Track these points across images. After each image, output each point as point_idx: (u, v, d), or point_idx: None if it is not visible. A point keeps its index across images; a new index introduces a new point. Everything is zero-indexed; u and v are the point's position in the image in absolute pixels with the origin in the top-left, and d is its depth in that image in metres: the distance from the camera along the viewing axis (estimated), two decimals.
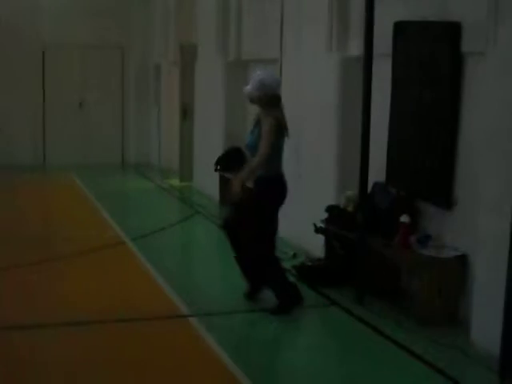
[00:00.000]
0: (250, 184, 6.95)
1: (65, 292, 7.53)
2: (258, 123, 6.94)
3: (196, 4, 14.18)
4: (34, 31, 16.77)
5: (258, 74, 6.99)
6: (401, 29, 7.37)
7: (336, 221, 7.85)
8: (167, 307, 7.07)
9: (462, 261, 6.55)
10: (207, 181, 13.03)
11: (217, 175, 12.36)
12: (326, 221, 8.03)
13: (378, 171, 7.54)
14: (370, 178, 7.15)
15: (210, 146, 12.92)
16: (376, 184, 7.65)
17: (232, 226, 7.13)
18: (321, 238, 8.15)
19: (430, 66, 6.88)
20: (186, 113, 14.65)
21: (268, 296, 7.03)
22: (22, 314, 6.81)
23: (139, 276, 8.17)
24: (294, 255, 8.71)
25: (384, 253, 7.11)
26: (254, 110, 7.45)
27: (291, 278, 7.71)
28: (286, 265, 8.31)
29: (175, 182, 14.86)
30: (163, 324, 6.66)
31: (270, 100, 6.89)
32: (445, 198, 6.78)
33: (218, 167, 12.27)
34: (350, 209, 7.77)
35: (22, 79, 16.86)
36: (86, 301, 7.21)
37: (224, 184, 12.22)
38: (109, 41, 17.33)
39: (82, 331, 6.41)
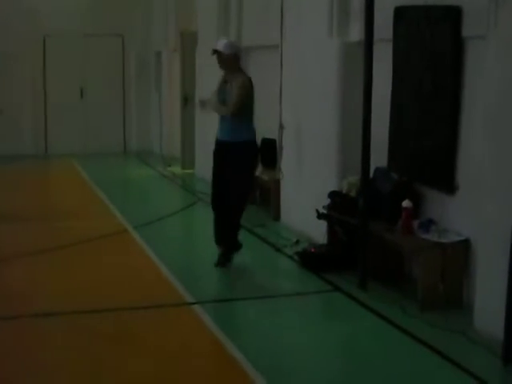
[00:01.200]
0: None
1: (69, 281, 7.54)
2: (230, 82, 7.57)
3: None
4: (34, 20, 16.74)
5: (223, 39, 7.93)
6: (401, 13, 7.34)
7: (338, 206, 7.84)
8: (171, 295, 7.07)
9: (465, 245, 6.55)
10: (209, 168, 12.96)
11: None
12: (329, 207, 8.03)
13: (379, 156, 7.53)
14: (371, 163, 7.14)
15: (211, 132, 12.86)
16: (378, 169, 7.64)
17: (220, 203, 7.79)
18: (323, 224, 8.15)
19: (431, 50, 6.86)
20: (187, 100, 14.63)
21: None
22: (23, 303, 6.82)
23: (142, 264, 8.18)
24: (297, 241, 8.71)
25: (386, 238, 7.11)
26: None
27: (294, 264, 7.77)
28: (289, 251, 8.35)
29: (177, 169, 14.86)
30: (167, 312, 6.67)
31: (239, 61, 7.64)
32: (447, 183, 6.77)
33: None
34: (352, 194, 7.77)
35: (23, 68, 16.87)
36: (90, 289, 7.23)
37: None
38: (109, 28, 17.30)
39: (85, 319, 6.41)
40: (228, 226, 7.85)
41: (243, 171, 7.68)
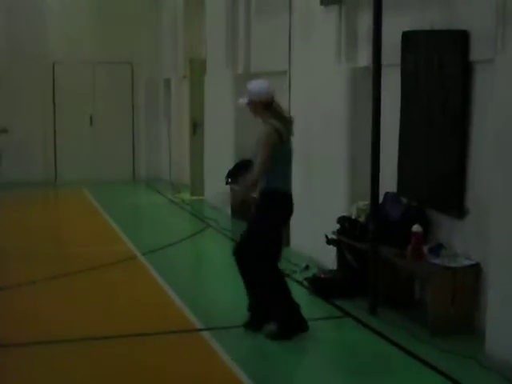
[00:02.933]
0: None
1: (78, 307, 7.54)
2: None
3: (204, 18, 14.24)
4: (44, 47, 16.89)
5: (254, 84, 6.77)
6: (409, 38, 7.36)
7: (348, 232, 7.83)
8: (180, 321, 7.05)
9: (475, 270, 6.52)
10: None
11: (228, 188, 12.36)
12: (338, 232, 8.01)
13: (388, 181, 7.52)
14: (381, 188, 7.14)
15: (220, 159, 12.93)
16: (387, 194, 7.63)
17: (241, 251, 6.73)
18: (333, 250, 8.13)
19: (439, 74, 6.87)
20: (196, 126, 14.67)
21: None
22: (36, 329, 6.82)
23: (151, 290, 8.17)
24: (307, 267, 8.69)
25: (396, 263, 7.08)
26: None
27: (304, 290, 7.72)
28: (298, 277, 8.31)
29: (186, 195, 14.87)
30: (176, 338, 6.65)
31: (262, 108, 6.61)
32: (456, 207, 6.76)
33: (229, 180, 12.27)
34: (361, 219, 7.75)
35: (33, 94, 16.95)
36: (100, 316, 7.23)
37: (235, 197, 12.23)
38: (118, 56, 17.40)
39: (95, 346, 6.40)
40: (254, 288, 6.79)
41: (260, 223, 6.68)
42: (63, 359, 6.14)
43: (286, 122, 6.63)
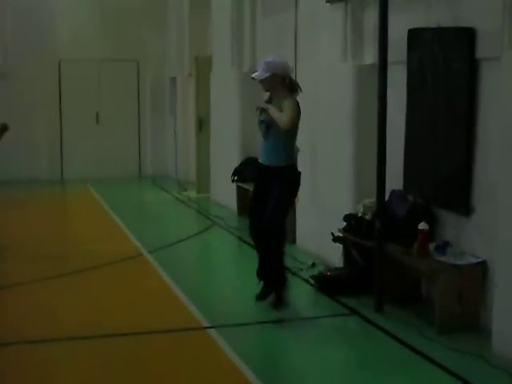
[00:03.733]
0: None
1: (84, 305, 7.55)
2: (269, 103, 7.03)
3: (210, 16, 14.25)
4: (50, 45, 16.93)
5: (273, 58, 7.07)
6: (415, 36, 7.36)
7: (354, 229, 7.82)
8: (187, 319, 7.06)
9: (482, 267, 6.51)
10: (224, 192, 13.04)
11: (234, 186, 12.37)
12: (344, 230, 8.01)
13: (395, 179, 7.52)
14: (387, 185, 7.13)
15: (226, 157, 12.94)
16: (393, 192, 7.62)
17: (257, 229, 7.18)
18: (339, 247, 8.13)
19: (445, 72, 6.86)
20: (202, 124, 14.68)
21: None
22: (43, 327, 6.84)
23: (158, 288, 8.18)
24: (313, 265, 8.70)
25: (403, 261, 7.08)
26: None
27: (310, 288, 7.74)
28: (305, 274, 8.32)
29: (192, 193, 14.88)
30: (183, 336, 6.65)
31: (281, 82, 7.02)
32: (462, 205, 6.75)
33: (235, 178, 12.28)
34: (367, 217, 7.75)
35: (39, 92, 16.99)
36: (105, 313, 7.24)
37: (241, 195, 12.25)
38: (124, 54, 17.42)
39: (103, 344, 6.42)
40: (269, 256, 7.26)
41: (282, 197, 7.06)
42: (72, 356, 6.15)
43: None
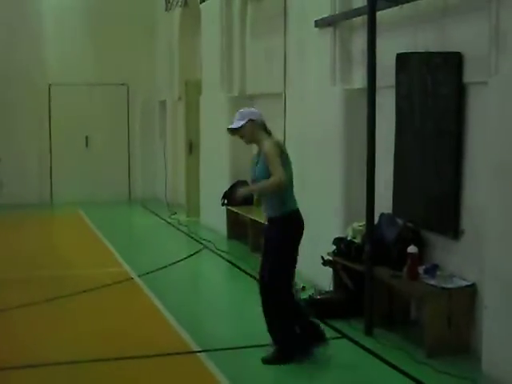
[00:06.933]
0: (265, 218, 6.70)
1: (73, 329, 7.52)
2: (259, 154, 6.61)
3: (200, 40, 14.32)
4: (40, 69, 16.97)
5: (245, 108, 6.83)
6: (403, 60, 7.42)
7: (343, 253, 7.84)
8: (176, 343, 7.04)
9: (471, 291, 6.53)
10: (214, 215, 13.04)
11: (224, 210, 12.39)
12: (334, 253, 8.03)
13: (384, 202, 7.55)
14: (376, 209, 7.16)
15: (216, 180, 12.96)
16: (383, 215, 7.65)
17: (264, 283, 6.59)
18: (329, 271, 8.14)
19: (434, 96, 6.91)
20: (192, 147, 14.72)
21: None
22: (31, 352, 6.80)
23: (147, 312, 8.16)
24: (303, 288, 8.68)
25: (392, 284, 7.09)
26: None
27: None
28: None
29: (182, 217, 14.88)
30: (172, 360, 6.63)
31: (257, 128, 6.57)
32: (451, 228, 6.78)
33: (225, 201, 12.30)
34: (357, 240, 7.77)
35: (29, 116, 17.02)
36: (95, 338, 7.21)
37: (231, 218, 12.27)
38: (114, 77, 17.46)
39: (91, 369, 6.39)
40: (270, 318, 6.63)
41: (276, 247, 6.54)
42: (59, 382, 6.12)
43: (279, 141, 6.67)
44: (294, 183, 6.58)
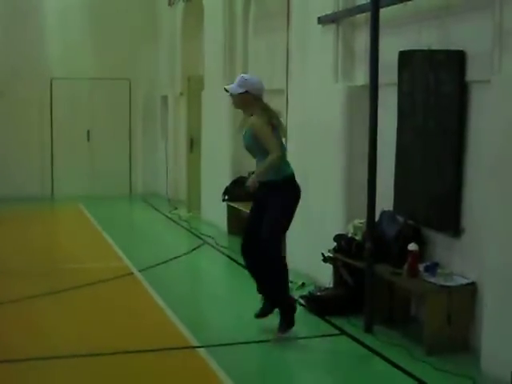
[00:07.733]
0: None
1: (74, 324, 7.53)
2: (245, 123, 6.96)
3: (202, 36, 14.31)
4: (42, 63, 16.93)
5: (250, 77, 7.08)
6: (406, 58, 7.41)
7: (344, 250, 7.84)
8: (176, 338, 7.05)
9: (471, 288, 6.54)
10: (215, 211, 13.05)
11: (225, 205, 12.39)
12: (334, 250, 8.03)
13: (385, 199, 7.55)
14: (377, 206, 7.16)
15: (217, 175, 12.96)
16: (384, 212, 7.66)
17: (249, 247, 6.98)
18: (329, 268, 8.14)
19: (436, 94, 6.91)
20: (193, 143, 14.71)
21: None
22: (30, 346, 6.81)
23: (148, 307, 8.17)
24: (303, 284, 8.70)
25: (392, 281, 7.10)
26: None
27: (300, 308, 7.70)
28: (295, 294, 8.30)
29: (183, 212, 14.88)
30: (173, 355, 6.64)
31: (253, 101, 6.86)
32: (452, 226, 6.78)
33: (226, 197, 12.30)
34: (357, 237, 7.77)
35: (30, 111, 17.00)
36: (95, 332, 7.21)
37: (232, 214, 12.27)
38: (116, 72, 17.45)
39: (90, 363, 6.40)
40: (268, 282, 7.09)
41: (279, 207, 6.85)
42: (58, 375, 6.14)
43: (274, 114, 6.93)
44: (295, 178, 6.95)
